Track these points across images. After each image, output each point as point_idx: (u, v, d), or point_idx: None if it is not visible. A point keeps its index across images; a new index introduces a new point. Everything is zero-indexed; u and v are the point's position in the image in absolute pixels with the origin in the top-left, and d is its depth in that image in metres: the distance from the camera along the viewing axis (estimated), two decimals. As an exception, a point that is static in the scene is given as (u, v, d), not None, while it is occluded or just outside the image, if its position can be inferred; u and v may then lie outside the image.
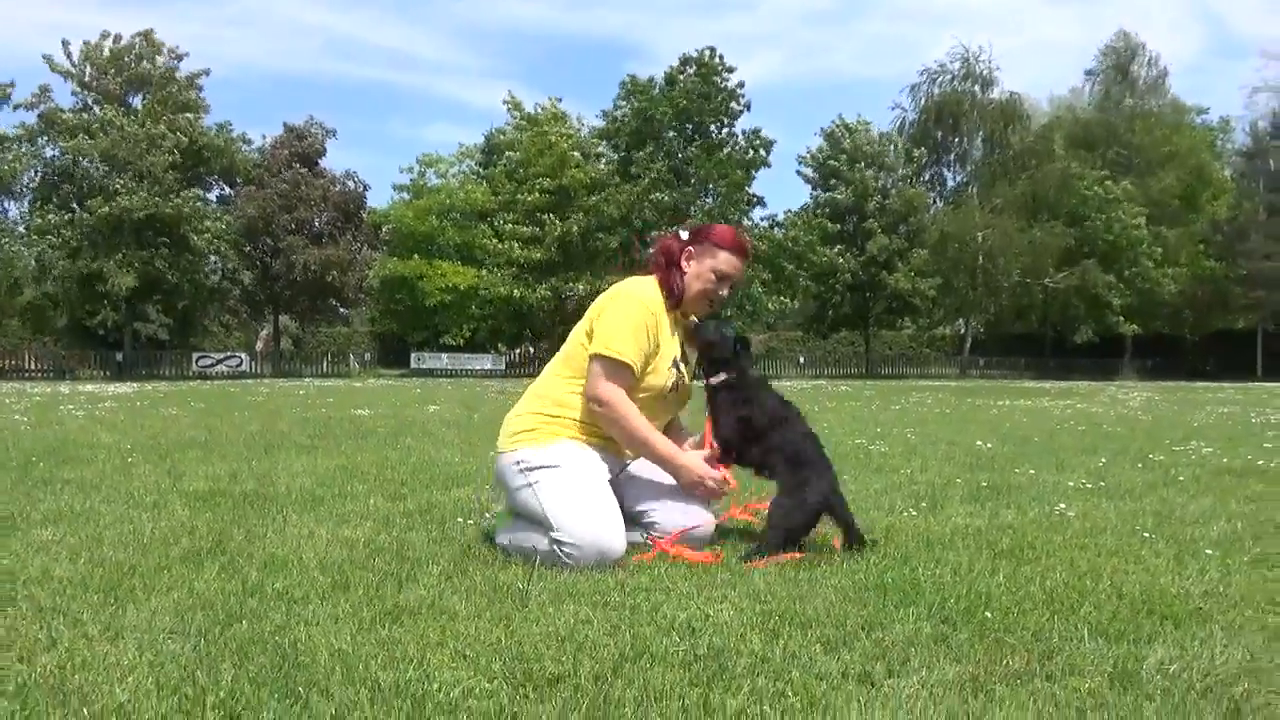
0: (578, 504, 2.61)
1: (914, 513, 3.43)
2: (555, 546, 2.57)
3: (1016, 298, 39.72)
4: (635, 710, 1.48)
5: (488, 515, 3.31)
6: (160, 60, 33.65)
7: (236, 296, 37.17)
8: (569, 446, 2.79)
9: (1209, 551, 2.69)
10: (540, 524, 2.65)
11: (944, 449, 6.06)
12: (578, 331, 2.93)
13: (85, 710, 1.48)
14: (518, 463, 2.78)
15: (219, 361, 33.50)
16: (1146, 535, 2.97)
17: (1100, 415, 10.43)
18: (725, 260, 2.89)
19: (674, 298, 2.89)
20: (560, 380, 2.90)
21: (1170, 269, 38.66)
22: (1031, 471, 4.74)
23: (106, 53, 32.75)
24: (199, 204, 32.69)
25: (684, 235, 2.96)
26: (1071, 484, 4.26)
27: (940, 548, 2.76)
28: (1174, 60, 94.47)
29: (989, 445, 6.30)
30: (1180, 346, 44.47)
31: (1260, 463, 5.24)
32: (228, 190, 36.71)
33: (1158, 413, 11.07)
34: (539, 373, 3.04)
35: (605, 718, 1.46)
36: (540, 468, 2.72)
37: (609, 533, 2.58)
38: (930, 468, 4.93)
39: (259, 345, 43.77)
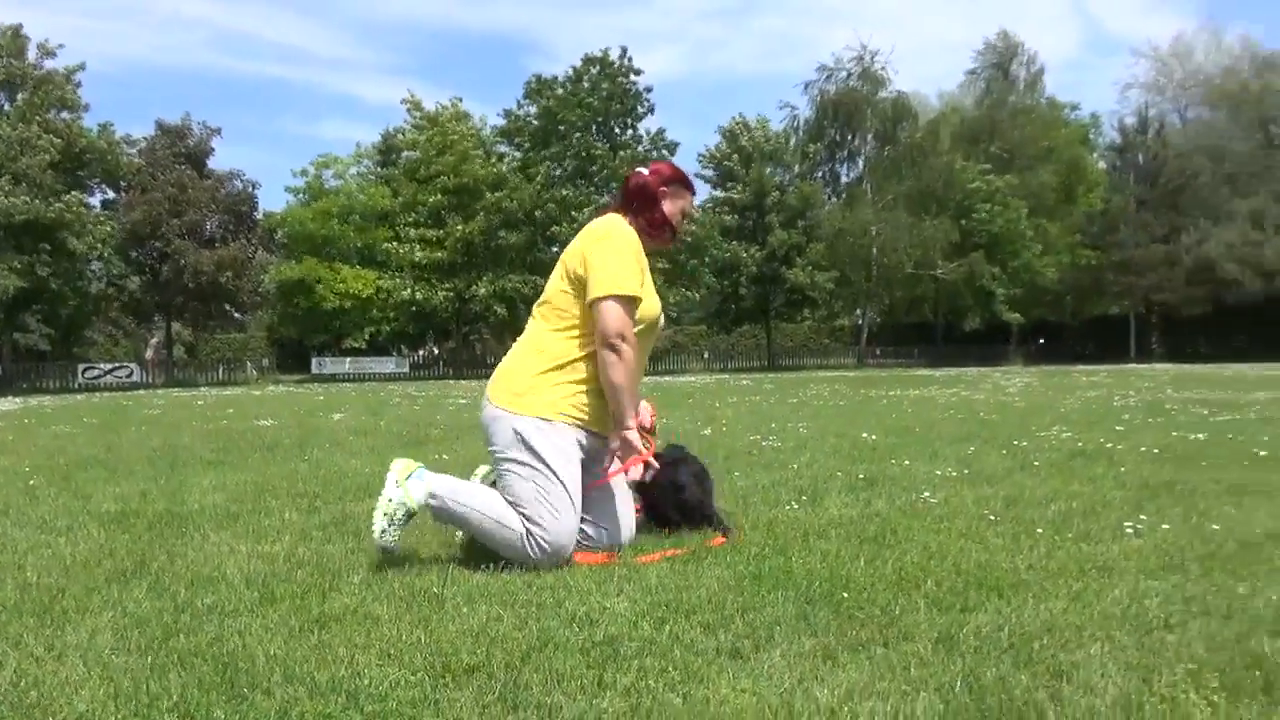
0: (566, 511, 2.79)
1: (795, 506, 3.77)
2: (529, 537, 2.76)
3: (909, 289, 41.31)
4: (541, 690, 1.75)
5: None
6: (31, 56, 32.17)
7: (123, 304, 35.82)
8: (569, 440, 2.87)
9: (1039, 530, 3.09)
10: (518, 504, 2.80)
11: (831, 442, 6.47)
12: (558, 280, 2.96)
13: (55, 714, 1.67)
14: (520, 435, 2.82)
15: (107, 372, 32.29)
16: (993, 518, 3.37)
17: (980, 403, 11.11)
18: (690, 201, 3.20)
19: (660, 232, 3.07)
20: (557, 335, 2.92)
21: (1050, 259, 40.73)
22: (906, 462, 5.16)
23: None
24: (81, 208, 31.39)
25: (649, 173, 3.13)
26: (939, 473, 4.69)
27: (814, 537, 3.10)
28: (1051, 55, 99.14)
29: (873, 437, 6.74)
30: (1063, 331, 46.93)
31: (1109, 445, 5.80)
32: (110, 194, 35.36)
33: (1032, 398, 11.85)
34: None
35: (516, 699, 1.71)
36: (544, 461, 2.80)
37: (573, 540, 2.82)
38: (816, 461, 5.31)
39: (149, 354, 42.26)
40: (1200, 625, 2.03)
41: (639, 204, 3.07)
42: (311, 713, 1.67)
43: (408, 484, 2.84)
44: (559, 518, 2.78)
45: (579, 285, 2.90)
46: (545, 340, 2.94)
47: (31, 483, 5.26)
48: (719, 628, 2.10)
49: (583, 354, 2.90)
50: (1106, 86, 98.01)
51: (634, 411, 2.92)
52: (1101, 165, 47.77)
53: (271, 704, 1.71)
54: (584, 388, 2.90)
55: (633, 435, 2.91)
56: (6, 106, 31.68)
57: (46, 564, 3.04)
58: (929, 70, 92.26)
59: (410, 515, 2.85)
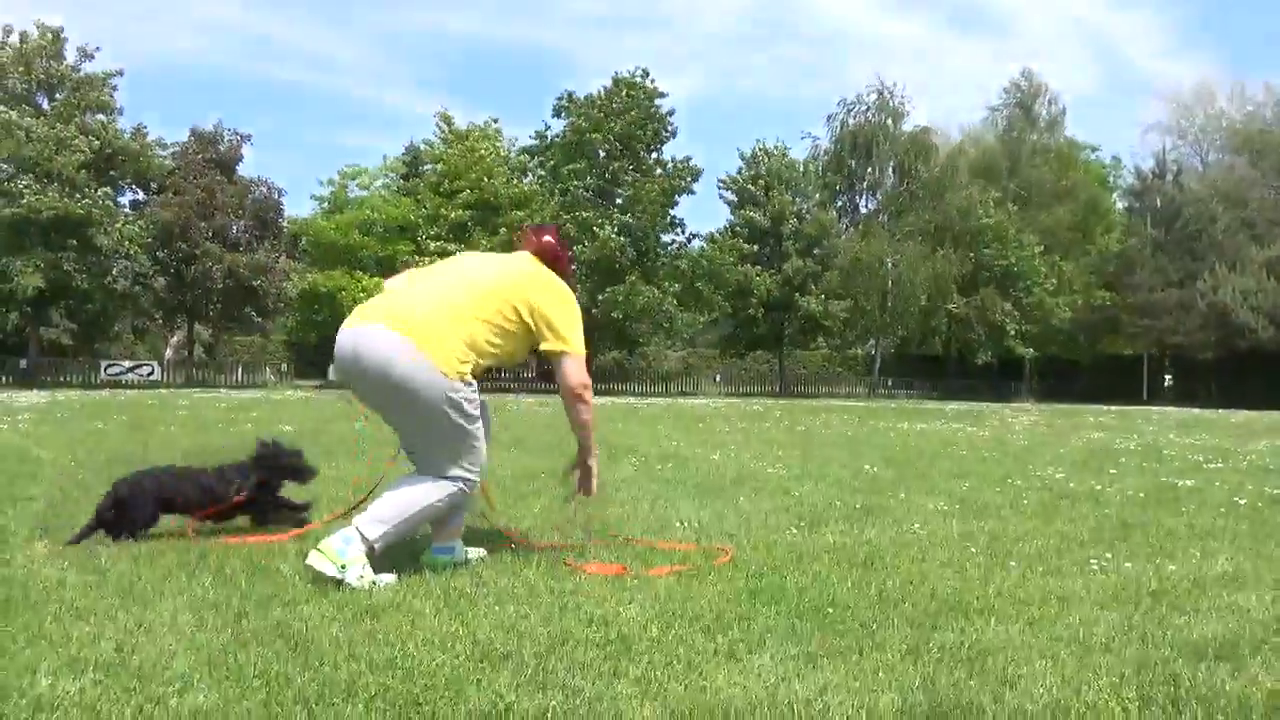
0: (484, 454, 3.32)
1: (794, 532, 4.09)
2: (461, 480, 3.19)
3: (923, 321, 41.54)
4: (566, 675, 2.07)
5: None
6: (70, 58, 32.94)
7: (147, 302, 36.40)
8: (480, 400, 3.29)
9: (1013, 563, 3.40)
10: (451, 455, 3.17)
11: (834, 472, 6.77)
12: (503, 292, 3.21)
13: (156, 680, 2.00)
14: (458, 397, 3.10)
15: (129, 370, 32.83)
16: (974, 550, 3.67)
17: (984, 439, 11.38)
18: None
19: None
20: (482, 326, 3.17)
21: (1063, 297, 40.93)
22: (903, 495, 5.46)
23: (11, 51, 31.93)
24: (109, 204, 32.03)
25: (562, 248, 3.51)
26: (932, 506, 4.99)
27: (809, 560, 3.41)
28: (1073, 93, 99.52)
29: (875, 469, 7.04)
30: (1075, 370, 47.03)
31: (1098, 488, 6.08)
32: (140, 195, 36.03)
33: (1035, 437, 12.11)
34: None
35: (544, 681, 2.04)
36: (476, 417, 3.20)
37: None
38: (818, 491, 5.61)
39: (168, 353, 42.85)
40: (1134, 650, 2.34)
41: (552, 266, 3.44)
42: (374, 684, 1.99)
43: (350, 563, 2.95)
44: (482, 456, 3.30)
45: (522, 326, 3.23)
46: (472, 329, 3.16)
47: (81, 476, 5.61)
48: (718, 633, 2.42)
49: (483, 363, 3.24)
50: (1129, 126, 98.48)
51: (593, 446, 3.46)
52: (1120, 206, 48.05)
53: (340, 675, 2.04)
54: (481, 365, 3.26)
55: (594, 464, 3.47)
56: (45, 106, 32.44)
57: (116, 553, 3.37)
58: (951, 102, 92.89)
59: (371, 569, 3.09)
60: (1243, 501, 5.47)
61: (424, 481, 3.21)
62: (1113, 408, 29.90)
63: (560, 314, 3.27)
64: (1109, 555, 3.60)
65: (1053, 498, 5.50)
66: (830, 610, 2.66)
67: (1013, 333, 40.49)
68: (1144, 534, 4.19)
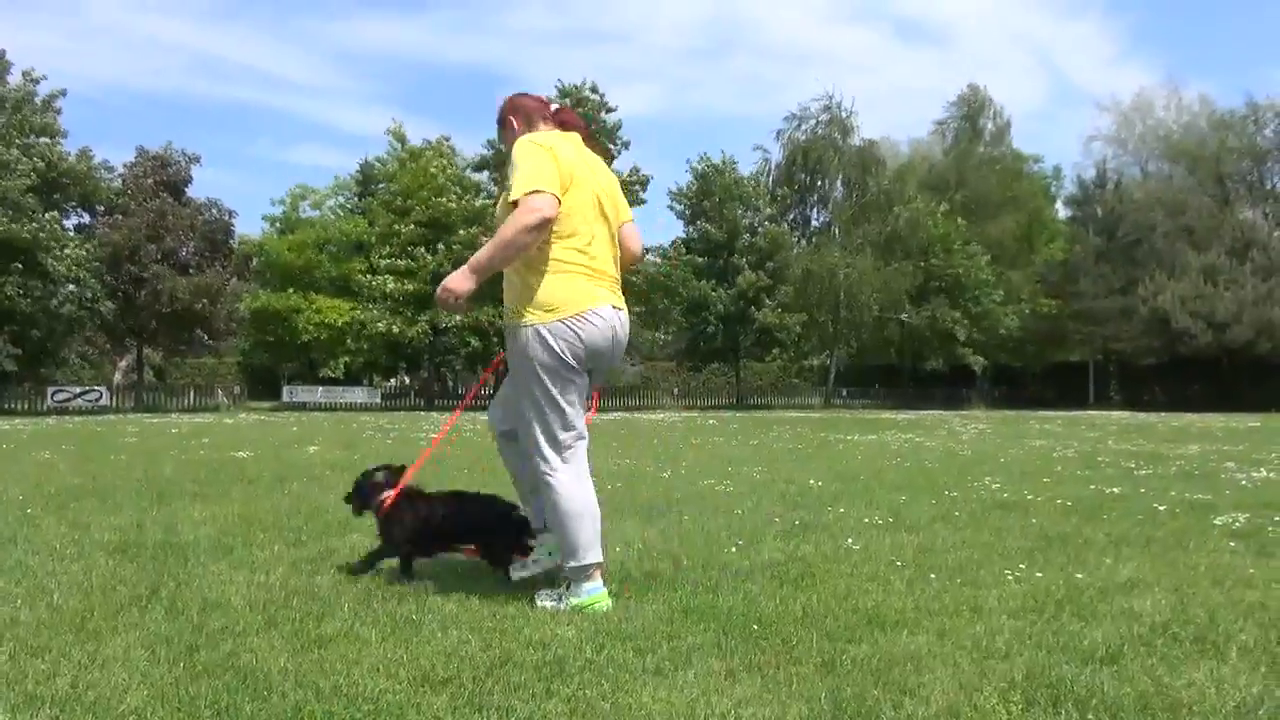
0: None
1: (734, 550, 4.26)
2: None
3: (876, 331, 42.22)
4: (501, 697, 2.22)
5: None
6: (13, 81, 32.41)
7: (95, 327, 35.81)
8: None
9: (933, 576, 3.61)
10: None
11: (780, 487, 6.98)
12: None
13: (110, 713, 2.11)
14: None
15: (77, 396, 32.24)
16: (900, 564, 3.87)
17: (930, 450, 11.69)
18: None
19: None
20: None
21: (1011, 306, 41.86)
22: (842, 510, 5.67)
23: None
24: (56, 228, 31.50)
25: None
26: (868, 520, 5.20)
27: (742, 578, 3.58)
28: (1017, 105, 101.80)
29: (819, 483, 7.26)
30: (1024, 377, 48.02)
31: (1030, 497, 6.35)
32: (86, 219, 35.48)
33: (980, 446, 12.46)
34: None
35: (481, 703, 2.18)
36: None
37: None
38: (761, 506, 5.81)
39: (117, 377, 42.12)
40: (1029, 656, 2.54)
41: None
42: (320, 711, 2.12)
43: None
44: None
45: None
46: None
47: (29, 511, 5.62)
48: (648, 651, 2.58)
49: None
50: (1071, 137, 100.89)
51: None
52: (1063, 216, 49.28)
53: (287, 704, 2.17)
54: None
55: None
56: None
57: (67, 589, 3.45)
58: (898, 115, 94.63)
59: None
60: (1162, 508, 5.75)
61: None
62: (1060, 414, 30.64)
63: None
64: (1023, 566, 3.82)
65: (984, 509, 5.74)
66: (756, 627, 2.83)
67: (963, 340, 41.31)
68: (1063, 544, 4.43)
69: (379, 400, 35.60)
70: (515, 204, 3.09)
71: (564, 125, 3.45)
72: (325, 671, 2.42)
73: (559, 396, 3.20)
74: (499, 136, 3.58)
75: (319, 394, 35.03)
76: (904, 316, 41.05)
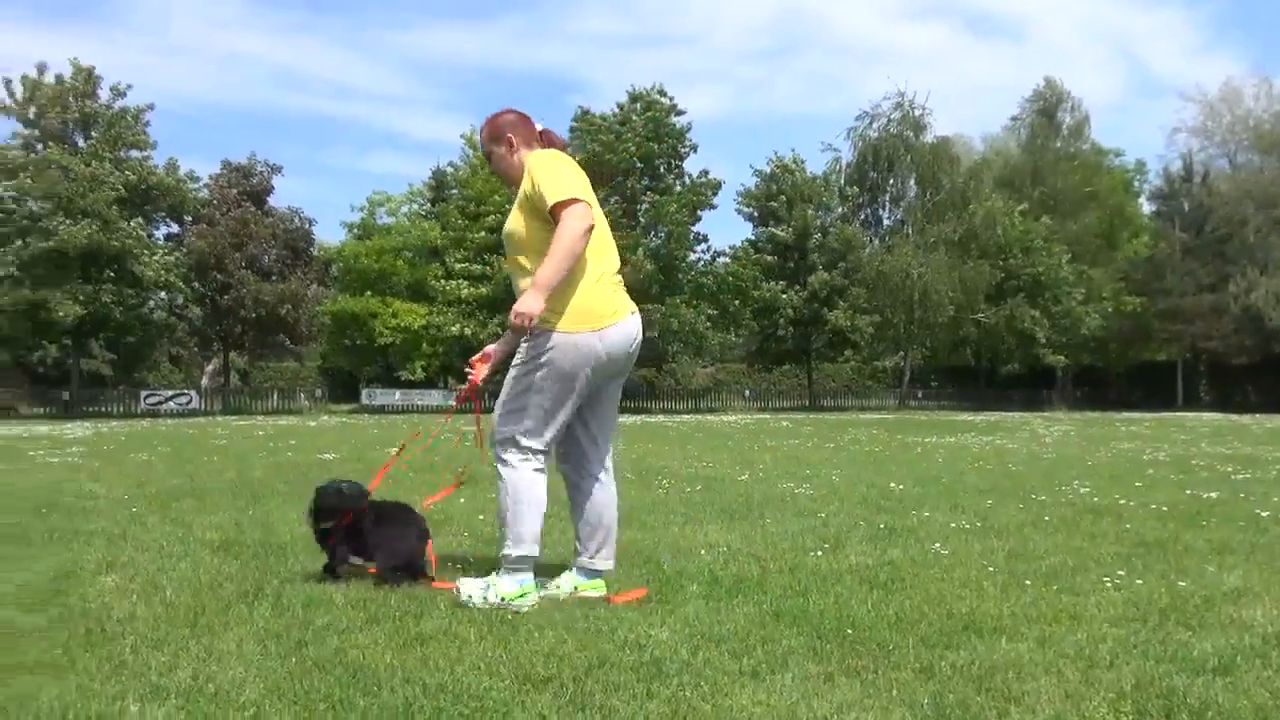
0: None
1: (819, 553, 4.24)
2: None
3: (951, 332, 41.40)
4: (603, 696, 2.25)
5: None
6: (103, 96, 33.83)
7: (184, 332, 37.20)
8: None
9: (1028, 582, 3.54)
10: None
11: (861, 491, 6.90)
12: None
13: (231, 705, 2.20)
14: None
15: (168, 399, 33.49)
16: (992, 570, 3.81)
17: (1013, 453, 11.44)
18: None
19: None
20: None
21: (1092, 305, 40.65)
22: (927, 514, 5.59)
23: (47, 90, 32.83)
24: (143, 235, 32.81)
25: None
26: (955, 525, 5.12)
27: (831, 582, 3.57)
28: (1096, 98, 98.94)
29: (901, 487, 7.16)
30: (1107, 377, 46.61)
31: (1122, 502, 6.17)
32: (175, 228, 36.87)
33: (1065, 449, 12.14)
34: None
35: (583, 702, 2.22)
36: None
37: None
38: (843, 511, 5.76)
39: (204, 381, 43.62)
40: (1136, 665, 2.48)
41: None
42: (429, 707, 2.19)
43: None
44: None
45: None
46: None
47: (134, 510, 5.88)
48: (743, 654, 2.59)
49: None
50: (1153, 130, 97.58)
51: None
52: (1147, 211, 47.69)
53: (396, 699, 2.24)
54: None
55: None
56: (81, 144, 33.32)
57: (178, 585, 3.60)
58: (971, 111, 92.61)
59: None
60: (1265, 514, 5.54)
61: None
62: (1147, 415, 29.65)
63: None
64: (1122, 572, 3.72)
65: (1075, 514, 5.60)
66: (850, 631, 2.82)
67: (1043, 341, 40.25)
68: (1162, 551, 4.30)
69: (453, 402, 36.13)
70: (552, 211, 3.17)
71: (550, 145, 3.54)
72: (429, 668, 2.48)
73: (556, 408, 3.28)
74: (486, 148, 3.59)
75: (396, 396, 35.78)
76: (980, 316, 40.17)
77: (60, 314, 30.13)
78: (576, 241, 3.14)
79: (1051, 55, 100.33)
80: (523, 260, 3.34)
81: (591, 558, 3.46)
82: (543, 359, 3.23)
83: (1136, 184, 49.42)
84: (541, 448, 3.32)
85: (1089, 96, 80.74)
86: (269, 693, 2.30)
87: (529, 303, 3.13)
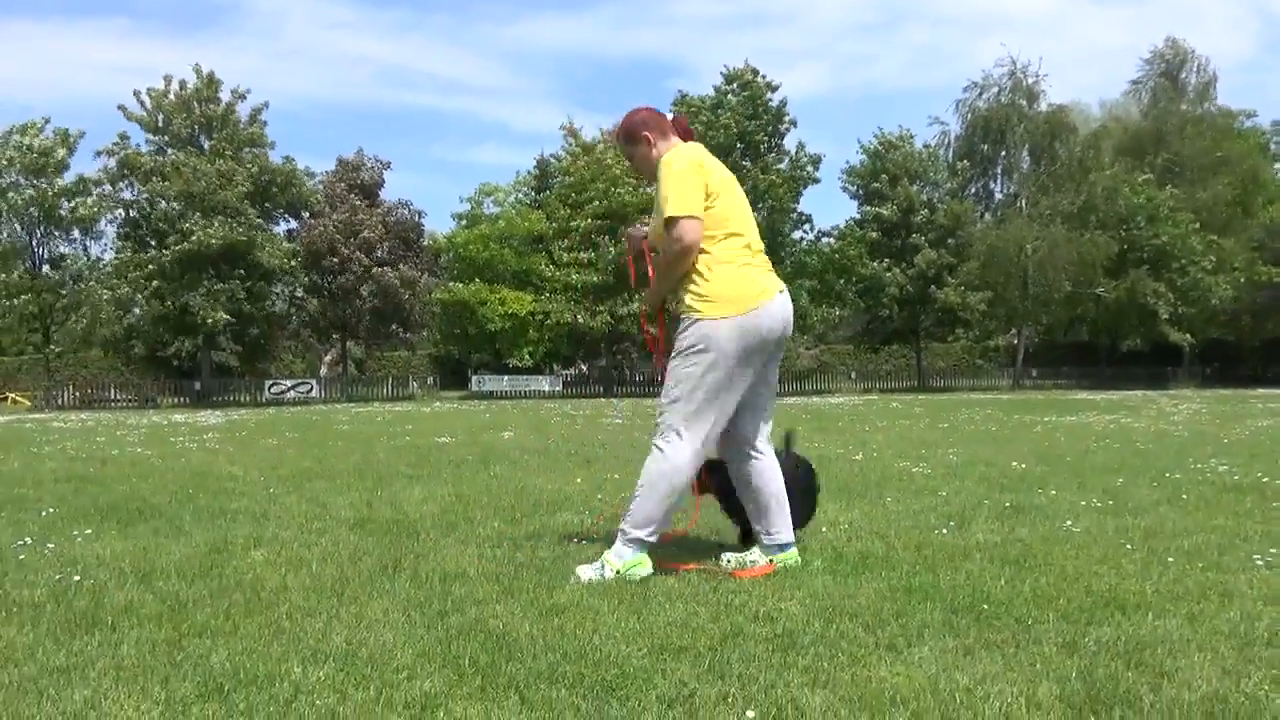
0: None
1: (944, 531, 4.17)
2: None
3: (1068, 308, 39.80)
4: (740, 665, 2.28)
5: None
6: (224, 100, 35.47)
7: (304, 322, 38.80)
8: None
9: (1170, 559, 3.41)
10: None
11: (981, 470, 6.74)
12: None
13: (386, 668, 2.32)
14: None
15: (291, 388, 35.02)
16: (1129, 547, 3.68)
17: (1139, 431, 10.97)
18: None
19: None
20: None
21: (1223, 275, 38.44)
22: (1053, 492, 5.43)
23: (173, 98, 34.59)
24: (267, 229, 34.46)
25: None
26: (1084, 503, 4.95)
27: (960, 558, 3.51)
28: (1227, 57, 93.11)
29: (1023, 466, 6.97)
30: (1239, 352, 44.07)
31: (1266, 479, 5.86)
32: (293, 223, 38.45)
33: (1197, 427, 11.57)
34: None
35: (722, 670, 2.25)
36: None
37: None
38: (965, 489, 5.64)
39: (323, 370, 45.42)
40: (1298, 643, 2.37)
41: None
42: (571, 672, 2.26)
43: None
44: None
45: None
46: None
47: (271, 491, 6.19)
48: (877, 628, 2.59)
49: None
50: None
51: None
52: (1285, 175, 44.77)
53: (540, 665, 2.32)
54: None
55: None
56: (205, 146, 35.06)
57: (321, 559, 3.78)
58: (1087, 78, 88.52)
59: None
60: None
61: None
62: (1285, 392, 27.94)
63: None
64: (1274, 550, 3.54)
65: (1214, 492, 5.36)
66: (985, 606, 2.78)
67: (1166, 316, 38.26)
68: (1315, 528, 4.08)
69: (560, 388, 36.80)
70: (665, 223, 3.30)
71: (685, 134, 3.60)
72: (567, 637, 2.56)
73: (716, 396, 3.31)
74: (626, 152, 3.68)
75: (505, 382, 36.57)
76: (1100, 291, 38.44)
77: (209, 321, 31.91)
78: (676, 259, 3.30)
79: (1174, 14, 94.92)
80: None
81: (770, 534, 3.49)
82: (699, 348, 3.29)
83: (1273, 146, 46.42)
84: (700, 439, 3.35)
85: (1217, 56, 75.98)
86: (419, 657, 2.41)
87: (647, 300, 3.52)
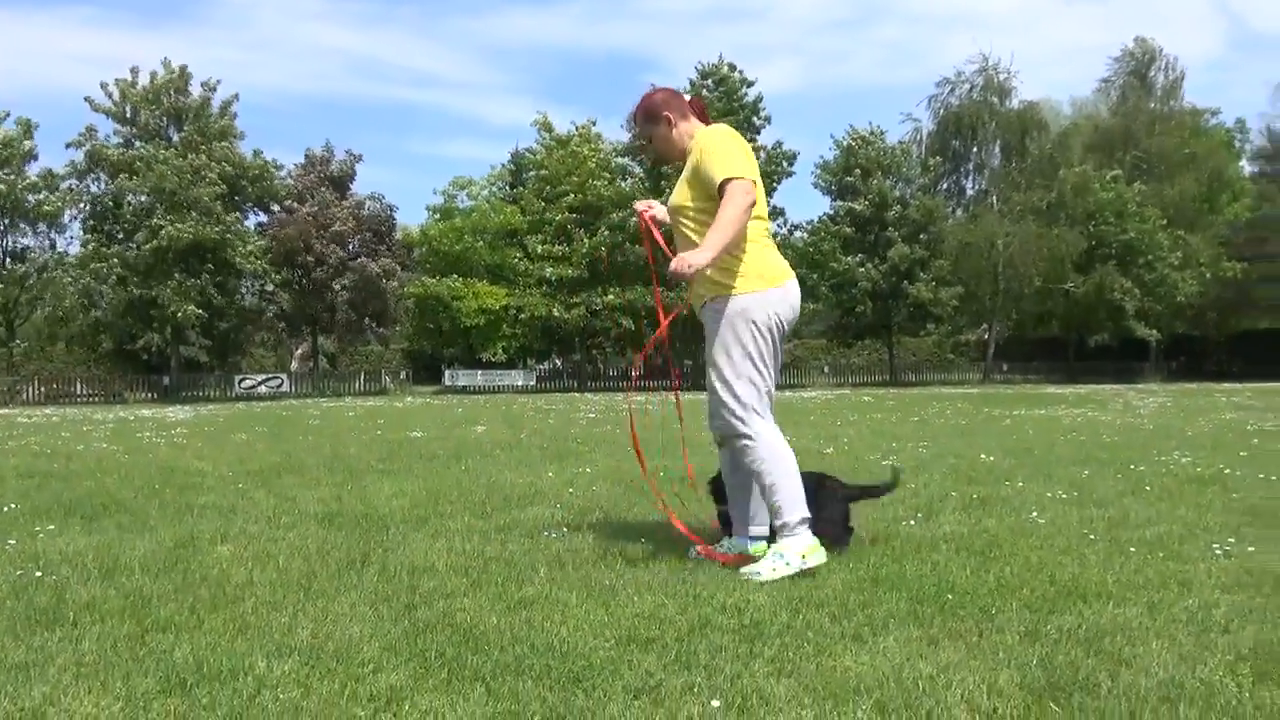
0: None
1: (912, 523, 4.21)
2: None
3: (1038, 303, 40.22)
4: (707, 656, 2.29)
5: None
6: (195, 92, 35.00)
7: (274, 317, 38.40)
8: None
9: (1132, 549, 3.46)
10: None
11: (950, 462, 6.80)
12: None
13: (352, 662, 2.31)
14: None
15: (261, 383, 34.66)
16: (1093, 538, 3.73)
17: (1106, 424, 11.11)
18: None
19: None
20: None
21: (1189, 271, 39.00)
22: (1020, 484, 5.49)
23: (141, 89, 34.07)
24: (238, 226, 34.04)
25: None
26: (1050, 495, 5.01)
27: (927, 550, 3.54)
28: (1193, 56, 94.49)
29: (991, 459, 7.04)
30: (1205, 347, 44.73)
31: (1227, 471, 5.96)
32: (262, 217, 38.04)
33: (1162, 420, 11.74)
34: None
35: (688, 661, 2.26)
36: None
37: None
38: (933, 482, 5.68)
39: (294, 365, 45.01)
40: (1253, 631, 2.41)
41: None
42: (538, 665, 2.25)
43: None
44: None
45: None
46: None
47: (240, 486, 6.13)
48: (843, 618, 2.61)
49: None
50: (1255, 88, 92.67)
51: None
52: (1248, 172, 45.46)
53: (507, 657, 2.31)
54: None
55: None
56: (175, 139, 34.58)
57: (289, 554, 3.75)
58: (1057, 75, 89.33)
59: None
60: (1384, 482, 5.29)
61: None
62: (1249, 387, 28.40)
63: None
64: (1232, 540, 3.61)
65: (1177, 483, 5.44)
66: (950, 596, 2.80)
67: (1132, 312, 38.77)
68: (1275, 519, 4.16)
69: (534, 382, 36.70)
70: (721, 187, 3.26)
71: (702, 116, 3.61)
72: (534, 629, 2.56)
73: (768, 359, 3.37)
74: (644, 132, 3.65)
75: (478, 377, 36.42)
76: (1069, 286, 38.88)
77: (179, 314, 31.49)
78: (740, 214, 3.25)
79: (1141, 13, 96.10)
80: (690, 233, 3.43)
81: (756, 523, 3.53)
82: (742, 321, 3.33)
83: (1237, 144, 47.16)
84: (767, 410, 3.40)
85: (1184, 55, 77.08)
86: (385, 650, 2.40)
87: (697, 258, 3.18)
